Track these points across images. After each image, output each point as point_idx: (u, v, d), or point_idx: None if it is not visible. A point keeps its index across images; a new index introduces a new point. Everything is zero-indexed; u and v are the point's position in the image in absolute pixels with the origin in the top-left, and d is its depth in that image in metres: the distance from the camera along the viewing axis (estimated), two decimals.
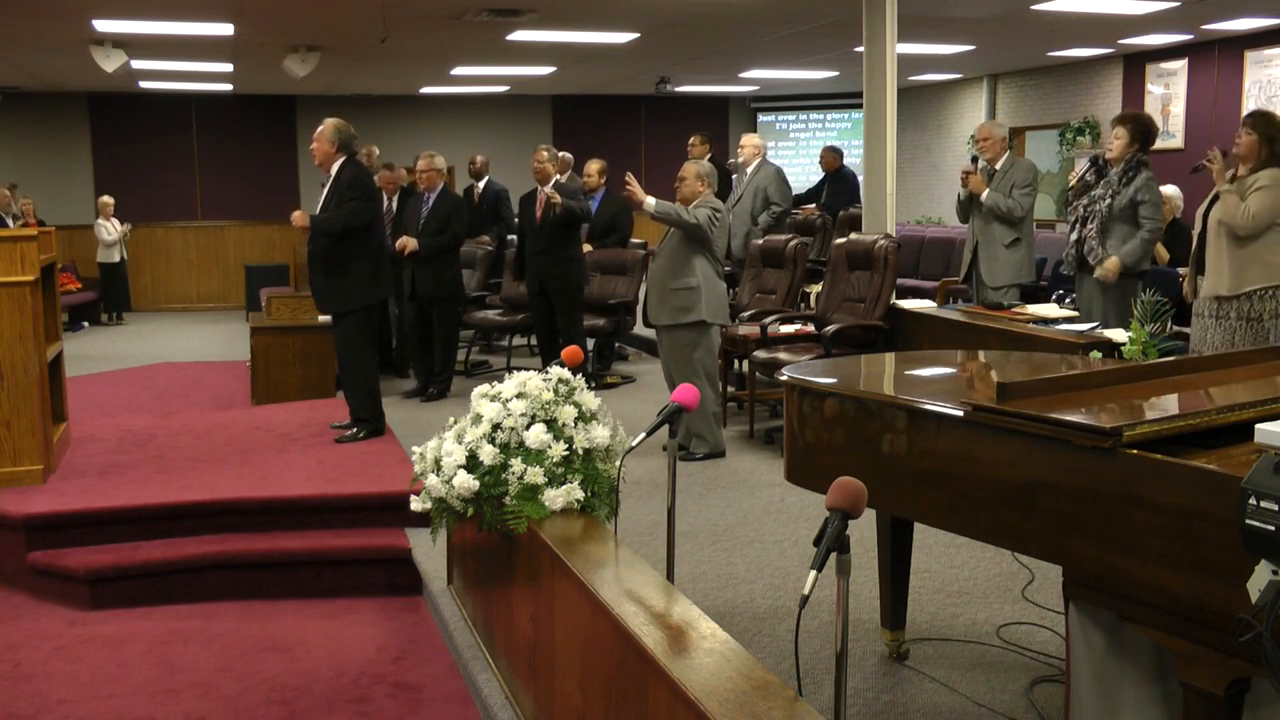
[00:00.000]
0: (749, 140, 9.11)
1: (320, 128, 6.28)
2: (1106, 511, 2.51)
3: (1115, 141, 5.96)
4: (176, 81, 13.12)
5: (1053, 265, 9.10)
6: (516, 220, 10.03)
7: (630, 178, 6.17)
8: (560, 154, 7.84)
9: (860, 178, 9.63)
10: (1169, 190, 7.63)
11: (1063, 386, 3.00)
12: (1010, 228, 6.67)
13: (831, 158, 11.44)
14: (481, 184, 10.15)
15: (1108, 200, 5.91)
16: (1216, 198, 5.41)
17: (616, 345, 9.49)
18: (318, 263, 6.22)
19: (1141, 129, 5.95)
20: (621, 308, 8.66)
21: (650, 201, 6.00)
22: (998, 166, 6.77)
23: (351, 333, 6.29)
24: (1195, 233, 5.54)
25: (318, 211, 6.24)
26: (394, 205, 8.55)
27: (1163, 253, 7.07)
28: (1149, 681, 2.70)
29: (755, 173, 8.90)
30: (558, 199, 7.39)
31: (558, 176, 7.93)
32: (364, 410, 6.39)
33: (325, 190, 6.28)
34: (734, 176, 10.34)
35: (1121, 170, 5.93)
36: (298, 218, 6.19)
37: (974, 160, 6.99)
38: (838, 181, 11.32)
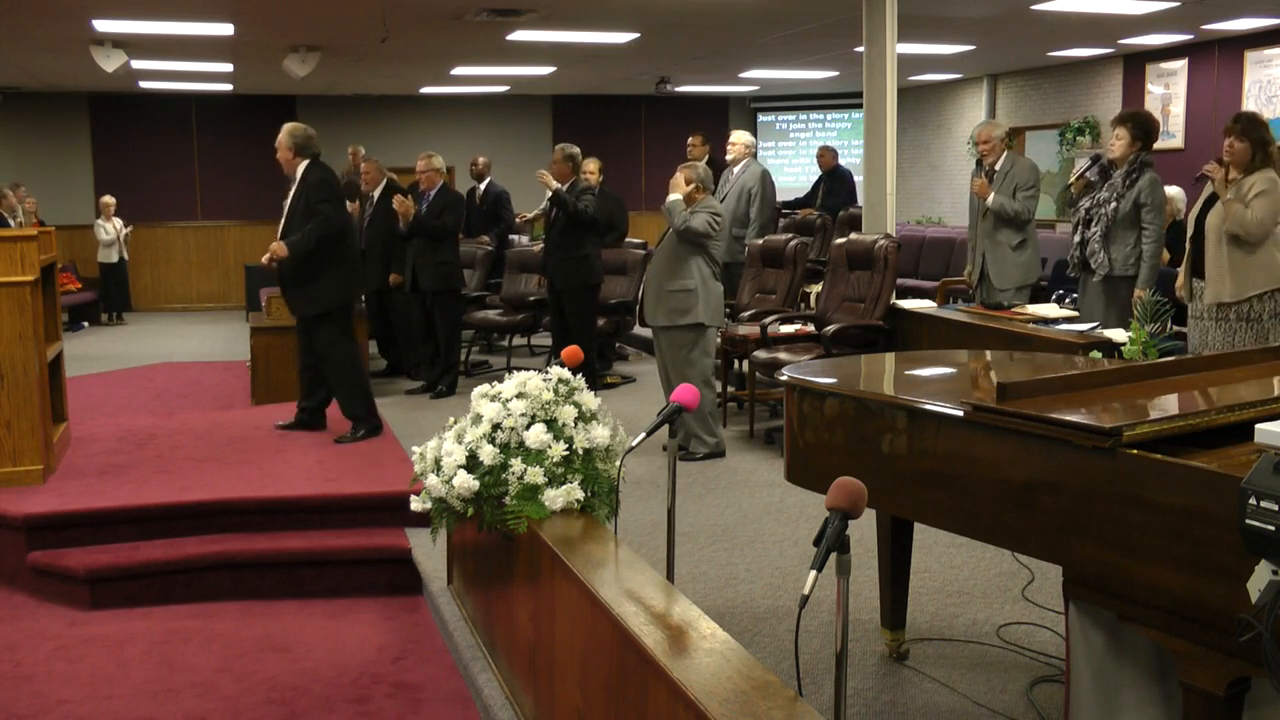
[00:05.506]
0: (740, 138, 8.79)
1: (279, 136, 6.26)
2: (1106, 511, 2.51)
3: (1116, 142, 5.92)
4: (176, 81, 13.12)
5: (1053, 265, 9.10)
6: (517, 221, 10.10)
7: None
8: (569, 153, 7.78)
9: (859, 178, 9.61)
10: (1171, 191, 7.62)
11: (1063, 386, 3.00)
12: (1017, 230, 6.65)
13: (829, 156, 11.53)
14: (483, 185, 10.18)
15: (1113, 204, 5.88)
16: (1209, 201, 5.42)
17: (617, 345, 9.49)
18: (286, 270, 6.18)
19: (1142, 128, 5.91)
20: (621, 308, 8.67)
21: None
22: (997, 167, 6.75)
23: (331, 333, 6.26)
24: (1189, 235, 5.55)
25: (285, 212, 6.22)
26: (374, 198, 8.62)
27: (1164, 253, 7.06)
28: (1149, 681, 2.71)
29: (742, 172, 8.65)
30: (551, 184, 7.44)
31: (586, 177, 8.01)
32: (357, 408, 6.36)
33: (291, 193, 6.25)
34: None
35: (1125, 172, 5.89)
36: (276, 249, 6.07)
37: (978, 164, 6.98)
38: (834, 181, 11.34)
